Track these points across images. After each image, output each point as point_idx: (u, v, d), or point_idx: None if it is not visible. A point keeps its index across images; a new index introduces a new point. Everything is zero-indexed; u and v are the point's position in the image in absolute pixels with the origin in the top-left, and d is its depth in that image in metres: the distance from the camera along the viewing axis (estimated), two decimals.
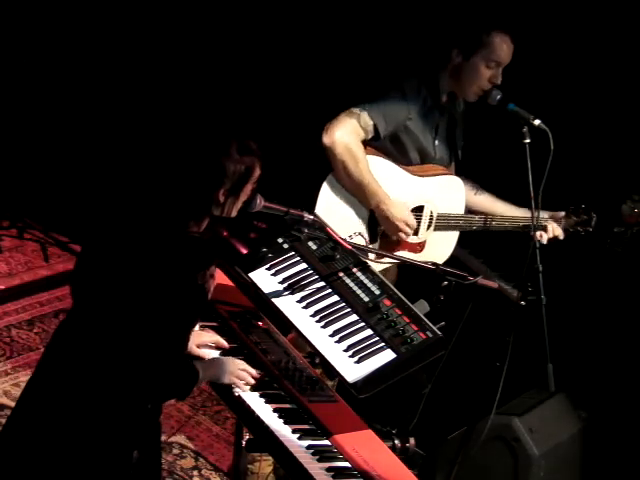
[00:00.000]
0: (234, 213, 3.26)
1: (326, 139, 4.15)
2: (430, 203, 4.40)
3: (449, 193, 4.45)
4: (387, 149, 4.31)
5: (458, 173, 4.55)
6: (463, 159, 4.61)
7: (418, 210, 4.38)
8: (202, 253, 3.14)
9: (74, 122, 6.42)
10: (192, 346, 3.48)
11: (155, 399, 3.22)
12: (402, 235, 4.28)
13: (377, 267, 4.28)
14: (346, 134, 4.15)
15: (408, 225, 4.27)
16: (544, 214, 4.48)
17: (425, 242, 4.43)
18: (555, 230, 4.54)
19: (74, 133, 6.41)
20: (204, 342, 3.53)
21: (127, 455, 3.17)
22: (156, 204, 3.19)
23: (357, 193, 4.23)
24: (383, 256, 4.15)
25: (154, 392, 3.17)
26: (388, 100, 4.24)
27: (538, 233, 4.42)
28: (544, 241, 4.47)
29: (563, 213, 4.62)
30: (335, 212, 4.18)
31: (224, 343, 3.58)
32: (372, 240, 4.30)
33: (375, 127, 4.21)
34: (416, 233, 4.38)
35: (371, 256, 3.87)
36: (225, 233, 3.78)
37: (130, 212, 3.24)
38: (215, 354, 3.54)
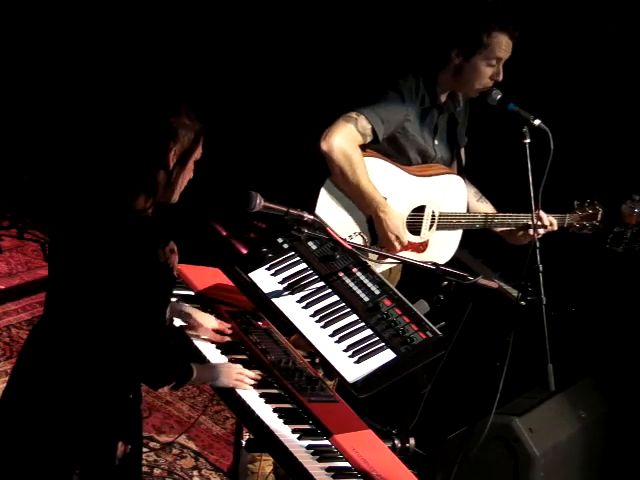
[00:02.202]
0: (178, 191, 3.20)
1: (324, 145, 4.13)
2: (431, 203, 4.39)
3: (450, 192, 4.44)
4: (386, 151, 4.30)
5: (461, 173, 4.55)
6: (466, 158, 4.62)
7: (419, 210, 4.38)
8: (157, 230, 3.12)
9: (73, 123, 6.42)
10: (208, 328, 3.53)
11: (147, 382, 3.21)
12: (394, 244, 4.28)
13: (381, 267, 4.30)
14: (344, 140, 4.12)
15: (399, 240, 4.27)
16: (543, 215, 4.47)
17: (428, 242, 4.43)
18: (552, 220, 4.51)
19: (74, 133, 6.41)
20: (214, 327, 3.56)
21: (111, 445, 3.17)
22: (107, 180, 3.15)
23: (355, 199, 4.22)
24: (383, 256, 4.16)
25: (142, 374, 3.16)
26: (385, 102, 4.22)
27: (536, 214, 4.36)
28: (542, 227, 4.44)
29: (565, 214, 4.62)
30: (334, 216, 4.17)
31: (226, 330, 3.60)
32: (373, 242, 4.30)
33: (373, 130, 4.19)
34: (418, 233, 4.38)
35: (372, 256, 3.88)
36: (225, 233, 3.78)
37: (85, 195, 3.22)
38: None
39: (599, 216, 4.67)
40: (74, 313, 3.13)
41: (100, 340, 3.10)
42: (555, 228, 4.55)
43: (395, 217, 4.26)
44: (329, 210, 4.17)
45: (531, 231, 4.35)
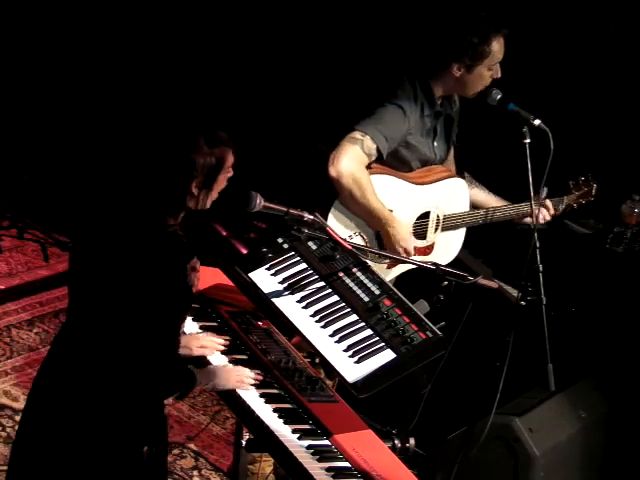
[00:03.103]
0: (209, 204, 3.24)
1: (332, 171, 4.14)
2: (436, 208, 4.42)
3: (453, 195, 4.46)
4: (389, 164, 4.31)
5: (456, 165, 4.56)
6: (462, 158, 4.62)
7: (425, 216, 4.39)
8: (181, 247, 3.14)
9: (74, 123, 6.43)
10: (193, 348, 3.49)
11: (154, 394, 3.23)
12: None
13: (391, 274, 4.31)
14: (351, 163, 4.13)
15: (406, 251, 4.29)
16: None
17: (433, 244, 4.44)
18: (554, 206, 4.58)
19: (74, 134, 6.42)
20: (203, 345, 3.54)
21: (138, 450, 3.19)
22: (133, 201, 3.19)
23: (364, 216, 4.25)
24: (384, 256, 4.16)
25: (152, 387, 3.18)
26: (387, 118, 4.21)
27: (537, 210, 4.38)
28: (541, 220, 4.47)
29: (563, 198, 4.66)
30: (343, 234, 4.19)
31: (221, 347, 3.58)
32: (382, 249, 4.31)
33: (378, 149, 4.20)
34: (424, 237, 4.40)
35: (381, 262, 3.89)
36: (225, 233, 3.78)
37: (109, 211, 3.25)
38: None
39: (594, 191, 4.73)
40: (95, 323, 3.14)
41: (117, 351, 3.11)
42: (559, 213, 4.61)
43: (403, 230, 4.28)
44: (338, 229, 4.17)
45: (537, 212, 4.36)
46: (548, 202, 4.54)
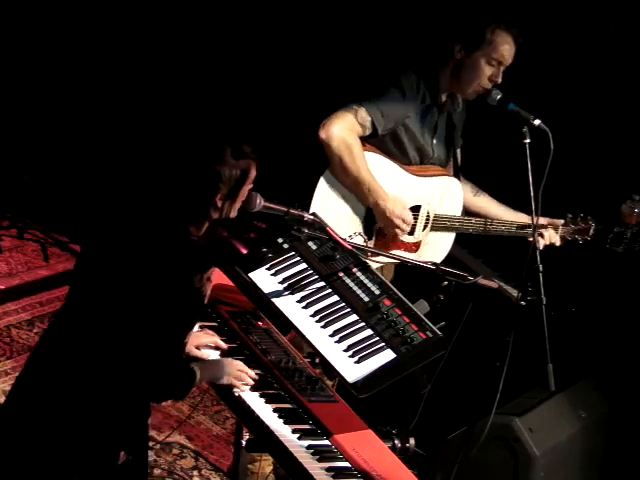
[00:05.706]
0: (233, 214, 3.28)
1: (323, 134, 4.13)
2: (427, 203, 4.40)
3: (447, 194, 4.44)
4: (387, 148, 4.30)
5: (457, 173, 4.55)
6: (463, 159, 4.62)
7: (415, 210, 4.38)
8: (199, 256, 3.15)
9: (74, 123, 6.43)
10: (191, 347, 3.49)
11: (153, 399, 3.23)
12: (398, 232, 4.27)
13: (373, 265, 4.29)
14: (343, 129, 4.13)
15: (405, 222, 4.27)
16: (543, 220, 4.44)
17: (420, 242, 4.43)
18: (552, 237, 4.53)
19: (74, 134, 6.42)
20: (203, 343, 3.54)
21: (114, 455, 3.18)
22: (155, 209, 3.20)
23: (354, 189, 4.21)
24: (383, 256, 4.16)
25: (152, 392, 3.18)
26: (386, 97, 4.23)
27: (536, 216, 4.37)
28: (540, 246, 4.45)
29: (562, 221, 4.61)
30: (331, 208, 4.17)
31: (222, 344, 3.58)
32: (368, 237, 4.30)
33: (372, 123, 4.19)
34: (412, 233, 4.38)
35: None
36: (225, 233, 3.79)
37: (130, 215, 3.25)
38: (214, 355, 3.55)
39: (591, 231, 4.66)
40: (99, 323, 3.13)
41: (119, 353, 3.11)
42: (556, 243, 4.57)
43: (395, 202, 4.25)
44: (327, 201, 4.16)
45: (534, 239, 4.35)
46: (546, 233, 4.48)
